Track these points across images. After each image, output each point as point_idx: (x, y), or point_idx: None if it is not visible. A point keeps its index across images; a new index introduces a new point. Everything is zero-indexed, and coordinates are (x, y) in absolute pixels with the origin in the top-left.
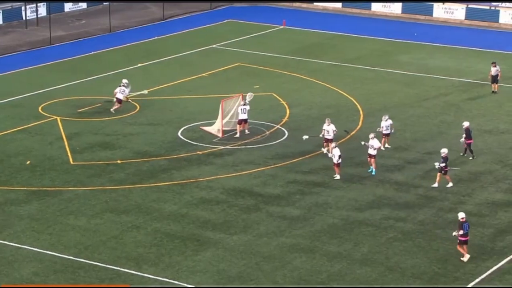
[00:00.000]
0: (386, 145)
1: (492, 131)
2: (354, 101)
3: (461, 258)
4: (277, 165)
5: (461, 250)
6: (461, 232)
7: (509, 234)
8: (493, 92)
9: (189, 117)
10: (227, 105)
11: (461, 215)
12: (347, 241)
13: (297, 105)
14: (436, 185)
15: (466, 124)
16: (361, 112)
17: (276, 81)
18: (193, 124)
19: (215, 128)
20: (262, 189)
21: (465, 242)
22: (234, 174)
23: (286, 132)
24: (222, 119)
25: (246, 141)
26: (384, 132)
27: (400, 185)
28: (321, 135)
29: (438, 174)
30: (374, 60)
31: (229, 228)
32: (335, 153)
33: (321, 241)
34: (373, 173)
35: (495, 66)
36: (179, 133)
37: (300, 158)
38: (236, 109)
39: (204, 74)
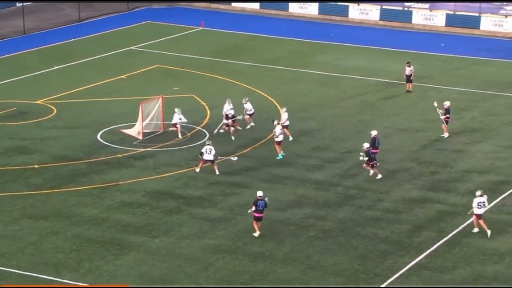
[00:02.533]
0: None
1: (408, 129)
2: (274, 102)
3: (253, 234)
4: (198, 166)
5: (255, 226)
6: (253, 208)
7: (425, 230)
8: (407, 91)
9: (108, 119)
10: (146, 107)
11: (259, 193)
12: (269, 241)
13: (218, 106)
14: (372, 174)
15: (374, 133)
16: (281, 113)
17: (195, 82)
18: (112, 127)
19: (135, 131)
20: (183, 191)
21: (259, 219)
22: (156, 176)
23: (207, 133)
24: (142, 121)
25: (167, 143)
26: (285, 124)
27: (320, 184)
28: (241, 117)
29: (364, 166)
30: (292, 61)
31: (151, 231)
32: (277, 131)
33: (243, 242)
34: (280, 157)
35: (410, 66)
36: (98, 136)
37: (220, 160)
38: (156, 111)
39: (122, 76)
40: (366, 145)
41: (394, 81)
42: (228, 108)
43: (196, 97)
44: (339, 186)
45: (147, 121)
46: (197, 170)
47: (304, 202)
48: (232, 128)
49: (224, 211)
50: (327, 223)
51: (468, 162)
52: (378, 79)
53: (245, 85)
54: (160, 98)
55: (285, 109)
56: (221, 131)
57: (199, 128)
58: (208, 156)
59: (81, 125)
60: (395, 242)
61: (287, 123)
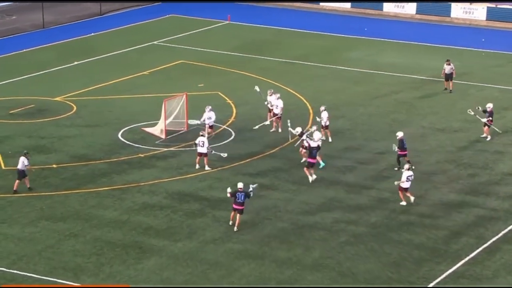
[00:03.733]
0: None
1: (445, 129)
2: (303, 100)
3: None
4: (224, 167)
5: (232, 216)
6: (228, 195)
7: (463, 236)
8: (445, 89)
9: (130, 118)
10: (170, 105)
11: (239, 185)
12: (297, 246)
13: (244, 104)
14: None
15: (400, 134)
16: (310, 111)
17: (221, 79)
18: (134, 125)
19: (158, 129)
20: (207, 193)
21: (239, 211)
22: (178, 177)
23: (233, 132)
24: (165, 119)
25: (190, 142)
26: (326, 124)
27: (351, 187)
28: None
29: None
30: (323, 57)
31: (173, 234)
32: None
33: (270, 247)
34: (322, 165)
35: (450, 64)
36: (119, 135)
37: (247, 160)
38: (180, 108)
39: (145, 73)
40: (399, 134)
41: (431, 78)
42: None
43: (222, 94)
44: (372, 189)
45: (170, 119)
46: (197, 166)
47: (335, 206)
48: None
49: (250, 214)
50: (359, 228)
51: (509, 164)
52: (414, 76)
53: (274, 82)
54: (184, 95)
55: (324, 108)
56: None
57: (224, 127)
58: (200, 149)
59: (101, 123)
60: (431, 249)
61: (328, 123)
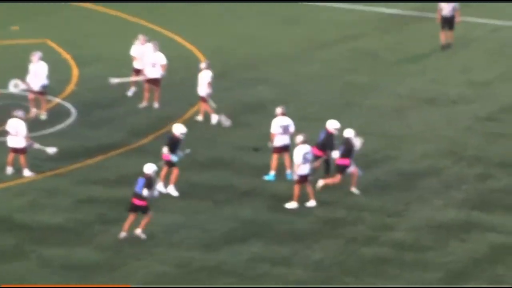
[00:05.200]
0: None
1: (438, 99)
2: (197, 52)
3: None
4: (57, 171)
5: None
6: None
7: (470, 279)
8: (443, 46)
9: None
10: None
11: (146, 167)
12: None
13: (93, 61)
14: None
15: (348, 134)
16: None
17: (52, 18)
18: None
19: None
20: (29, 217)
21: (141, 209)
22: None
23: (73, 110)
24: None
25: None
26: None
27: (281, 200)
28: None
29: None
30: None
31: None
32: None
33: None
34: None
35: (451, 1)
36: None
37: (99, 158)
38: None
39: None
40: (335, 154)
41: (411, 14)
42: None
43: (54, 44)
44: (317, 203)
45: None
46: (9, 171)
47: (253, 232)
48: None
49: (105, 251)
50: (293, 271)
51: None
52: (383, 10)
53: (147, 24)
54: None
55: (205, 65)
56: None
57: (58, 100)
58: (14, 141)
59: None
60: None
61: (208, 91)
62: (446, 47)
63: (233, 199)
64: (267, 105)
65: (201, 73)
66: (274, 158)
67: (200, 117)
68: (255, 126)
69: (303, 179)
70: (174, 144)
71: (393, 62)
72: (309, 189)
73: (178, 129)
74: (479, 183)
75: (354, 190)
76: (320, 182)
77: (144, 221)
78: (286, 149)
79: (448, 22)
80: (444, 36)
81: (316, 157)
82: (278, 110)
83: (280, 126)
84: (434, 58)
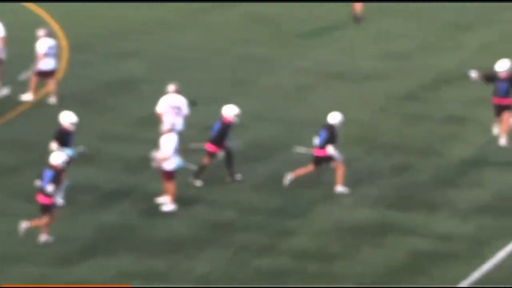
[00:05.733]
0: None
1: (346, 75)
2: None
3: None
4: None
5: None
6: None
7: None
8: (355, 17)
9: None
10: None
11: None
12: None
13: None
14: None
15: (336, 118)
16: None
17: None
18: None
19: None
20: None
21: (43, 209)
22: None
23: None
24: None
25: None
26: None
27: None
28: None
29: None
30: None
31: None
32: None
33: None
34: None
35: None
36: None
37: None
38: None
39: None
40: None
41: None
42: None
43: None
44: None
45: None
46: None
47: None
48: None
49: None
50: None
51: (475, 143)
52: None
53: None
54: None
55: (44, 32)
56: None
57: None
58: None
59: None
60: None
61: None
62: (358, 18)
63: (97, 201)
64: (138, 84)
65: (39, 43)
66: None
67: (53, 100)
68: (123, 110)
69: (171, 174)
70: (63, 137)
71: (295, 32)
72: (169, 186)
73: (67, 118)
74: (396, 176)
75: (340, 189)
76: (289, 175)
77: (43, 222)
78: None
79: None
80: (355, 6)
81: (211, 154)
82: (171, 87)
83: (171, 106)
84: (343, 26)
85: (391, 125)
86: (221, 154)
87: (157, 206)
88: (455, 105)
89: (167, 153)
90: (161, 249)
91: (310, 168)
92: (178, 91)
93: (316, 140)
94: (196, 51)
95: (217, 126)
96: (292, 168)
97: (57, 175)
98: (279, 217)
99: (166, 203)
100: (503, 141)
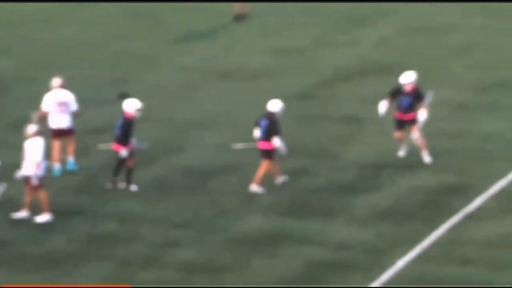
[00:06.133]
0: None
1: (234, 73)
2: None
3: None
4: None
5: None
6: None
7: None
8: (238, 17)
9: None
10: None
11: None
12: None
13: None
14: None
15: (276, 105)
16: None
17: None
18: None
19: None
20: None
21: None
22: None
23: None
24: None
25: None
26: None
27: None
28: None
29: None
30: None
31: None
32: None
33: None
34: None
35: None
36: None
37: None
38: None
39: None
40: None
41: None
42: None
43: None
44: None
45: None
46: None
47: None
48: None
49: None
50: None
51: (368, 145)
52: None
53: None
54: None
55: None
56: None
57: None
58: None
59: None
60: None
61: None
62: (240, 18)
63: None
64: (8, 84)
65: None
66: (55, 146)
67: None
68: None
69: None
70: None
71: (177, 27)
72: (40, 196)
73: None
74: (290, 181)
75: (254, 188)
76: (253, 186)
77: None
78: (68, 132)
79: None
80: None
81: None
82: (56, 81)
83: (56, 103)
84: (229, 21)
85: (284, 127)
86: (124, 153)
87: (30, 217)
88: (352, 104)
89: (36, 160)
90: (36, 265)
91: (268, 165)
92: (63, 86)
93: (257, 132)
94: (70, 46)
95: (119, 123)
96: (179, 173)
97: None
98: (163, 227)
99: (41, 215)
100: (401, 152)
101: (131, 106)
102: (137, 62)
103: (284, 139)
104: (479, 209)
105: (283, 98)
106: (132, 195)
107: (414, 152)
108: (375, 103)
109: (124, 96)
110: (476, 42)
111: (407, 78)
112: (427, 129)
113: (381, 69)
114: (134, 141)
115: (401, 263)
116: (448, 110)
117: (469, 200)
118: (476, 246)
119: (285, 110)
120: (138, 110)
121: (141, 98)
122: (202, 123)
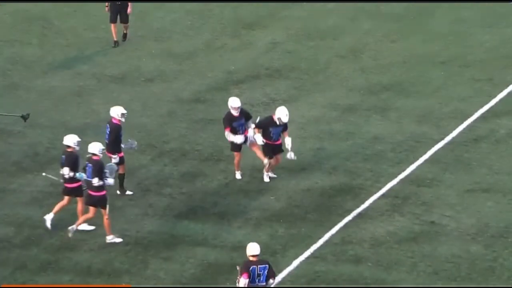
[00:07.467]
0: None
1: (127, 77)
2: None
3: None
4: None
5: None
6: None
7: None
8: (115, 43)
9: None
10: None
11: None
12: None
13: None
14: None
15: (282, 113)
16: None
17: None
18: None
19: None
20: None
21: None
22: None
23: None
24: None
25: None
26: None
27: None
28: None
29: None
30: None
31: None
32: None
33: None
34: None
35: None
36: None
37: None
38: None
39: None
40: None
41: None
42: None
43: None
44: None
45: None
46: None
47: None
48: None
49: None
50: None
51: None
52: None
53: None
54: None
55: None
56: None
57: None
58: None
59: None
60: None
61: None
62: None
63: None
64: None
65: None
66: None
67: None
68: None
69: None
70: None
71: (68, 31)
72: None
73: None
74: (185, 184)
75: (271, 175)
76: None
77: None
78: None
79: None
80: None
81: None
82: None
83: None
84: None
85: (178, 131)
86: (115, 159)
87: None
88: (244, 107)
89: None
90: None
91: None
92: None
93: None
94: None
95: (107, 130)
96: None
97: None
98: (60, 231)
99: None
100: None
101: (116, 112)
102: (28, 67)
103: (178, 143)
104: (370, 209)
105: (176, 103)
106: (28, 200)
107: (306, 154)
108: (266, 106)
109: (25, 117)
110: (364, 46)
111: (281, 113)
112: (317, 131)
113: (272, 73)
114: (122, 145)
115: (296, 263)
116: (337, 112)
117: (360, 200)
118: (368, 244)
119: (179, 114)
120: (122, 114)
121: (33, 104)
122: (95, 128)
